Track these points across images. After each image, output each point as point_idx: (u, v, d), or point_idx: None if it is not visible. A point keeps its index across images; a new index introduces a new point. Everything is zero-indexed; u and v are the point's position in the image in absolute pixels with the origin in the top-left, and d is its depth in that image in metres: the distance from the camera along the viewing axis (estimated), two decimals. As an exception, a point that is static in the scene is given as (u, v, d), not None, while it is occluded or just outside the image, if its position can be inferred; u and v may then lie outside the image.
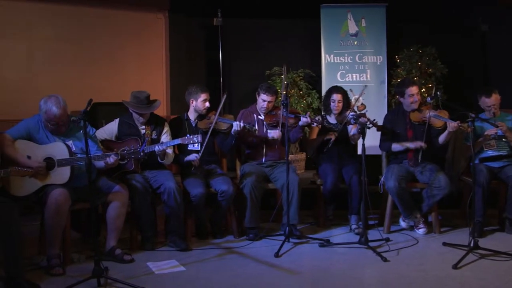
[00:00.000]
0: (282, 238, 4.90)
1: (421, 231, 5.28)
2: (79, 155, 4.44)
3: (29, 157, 4.32)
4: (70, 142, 4.49)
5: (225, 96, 5.19)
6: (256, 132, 5.26)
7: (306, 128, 5.75)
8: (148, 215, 4.85)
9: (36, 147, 4.40)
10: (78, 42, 6.67)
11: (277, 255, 4.64)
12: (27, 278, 3.90)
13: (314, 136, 5.59)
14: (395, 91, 5.66)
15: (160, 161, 4.94)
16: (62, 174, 4.36)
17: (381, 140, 5.48)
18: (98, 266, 3.91)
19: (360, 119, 4.98)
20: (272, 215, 5.14)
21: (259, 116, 5.44)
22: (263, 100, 5.36)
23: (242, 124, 5.08)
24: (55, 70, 6.48)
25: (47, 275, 4.20)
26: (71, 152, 4.41)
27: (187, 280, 4.13)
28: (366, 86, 5.80)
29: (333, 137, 5.38)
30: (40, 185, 4.33)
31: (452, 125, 5.06)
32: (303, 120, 5.19)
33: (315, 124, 5.29)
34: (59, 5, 6.51)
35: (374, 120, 5.12)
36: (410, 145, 5.28)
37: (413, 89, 5.33)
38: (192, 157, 5.04)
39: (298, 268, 4.37)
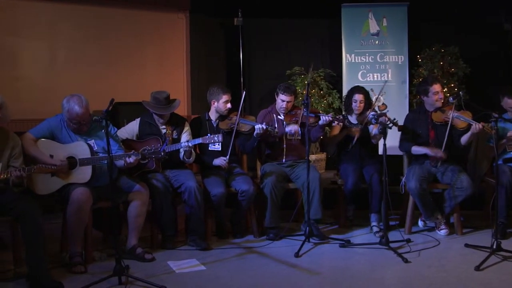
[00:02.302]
0: (302, 238, 4.89)
1: (442, 232, 5.23)
2: (100, 155, 4.48)
3: (51, 156, 4.36)
4: (92, 142, 4.53)
5: (243, 94, 5.19)
6: (277, 133, 5.25)
7: (327, 128, 5.73)
8: (169, 214, 4.87)
9: (59, 146, 4.45)
10: (100, 42, 6.75)
11: (297, 255, 4.63)
12: (50, 276, 3.94)
13: (335, 133, 5.56)
14: (417, 90, 5.58)
15: (184, 159, 4.96)
16: (84, 173, 4.40)
17: (400, 140, 5.43)
18: (119, 264, 3.94)
19: (380, 119, 4.95)
20: (292, 215, 5.13)
21: (278, 116, 5.44)
22: (282, 100, 5.35)
23: (264, 127, 5.07)
24: (78, 69, 6.56)
25: (69, 272, 4.25)
26: (92, 152, 4.45)
27: (207, 279, 4.14)
28: (385, 82, 5.73)
29: (357, 134, 5.34)
30: (63, 183, 4.38)
31: (476, 126, 4.97)
32: (323, 119, 5.16)
33: (336, 122, 5.27)
34: (82, 6, 6.59)
35: (395, 119, 5.08)
36: (429, 152, 5.21)
37: (437, 87, 5.26)
38: (221, 162, 5.06)
39: (318, 268, 4.36)
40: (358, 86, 5.72)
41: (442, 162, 5.21)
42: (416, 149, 5.29)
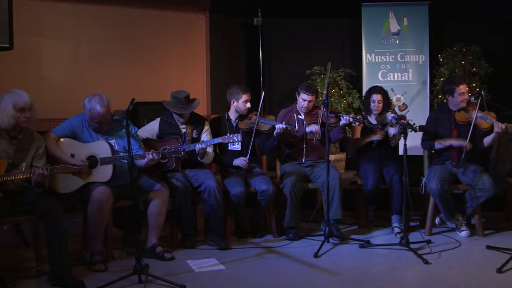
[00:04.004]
0: (322, 238, 4.88)
1: (463, 233, 5.18)
2: (121, 154, 4.51)
3: (72, 155, 4.41)
4: (112, 141, 4.57)
5: (263, 93, 5.19)
6: (297, 133, 5.24)
7: (348, 128, 5.71)
8: (189, 213, 4.89)
9: (80, 145, 4.50)
10: (121, 42, 6.81)
11: (316, 255, 4.62)
12: (71, 274, 3.98)
13: (357, 135, 5.54)
14: (442, 89, 5.49)
15: (199, 159, 4.97)
16: (104, 172, 4.44)
17: (423, 139, 5.39)
18: (139, 263, 3.97)
19: (401, 121, 4.92)
20: (312, 215, 5.12)
21: (299, 116, 5.43)
22: (303, 99, 5.34)
23: (284, 126, 5.06)
24: (100, 69, 6.63)
25: (89, 270, 4.29)
26: (113, 151, 4.48)
27: (227, 278, 4.15)
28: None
29: (380, 136, 5.31)
30: (83, 182, 4.43)
31: (500, 125, 4.91)
32: (344, 119, 5.14)
33: (356, 123, 5.25)
34: (104, 6, 6.66)
35: (414, 124, 5.02)
36: (454, 142, 5.16)
37: (464, 87, 5.20)
38: (241, 162, 5.07)
39: (337, 268, 4.34)
40: (376, 86, 5.67)
41: (464, 162, 5.15)
42: (439, 144, 5.23)
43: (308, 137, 5.36)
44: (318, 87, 6.71)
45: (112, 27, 6.75)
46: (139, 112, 5.83)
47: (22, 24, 5.27)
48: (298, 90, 5.39)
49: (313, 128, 5.25)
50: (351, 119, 5.13)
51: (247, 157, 5.07)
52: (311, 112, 5.40)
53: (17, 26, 4.92)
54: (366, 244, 4.90)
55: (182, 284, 3.88)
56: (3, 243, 5.09)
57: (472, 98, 5.06)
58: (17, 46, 4.96)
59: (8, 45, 4.85)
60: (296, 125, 5.28)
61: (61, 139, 4.49)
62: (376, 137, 5.36)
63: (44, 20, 6.33)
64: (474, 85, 6.76)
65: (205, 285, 4.05)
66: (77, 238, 4.76)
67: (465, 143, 5.05)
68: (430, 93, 7.03)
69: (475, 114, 5.06)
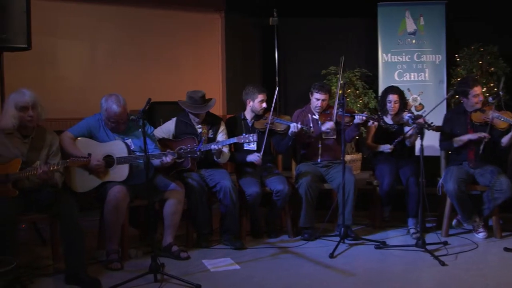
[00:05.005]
0: (337, 239, 4.87)
1: (481, 235, 5.13)
2: (137, 153, 4.53)
3: (89, 155, 4.42)
4: (129, 141, 4.59)
5: (276, 90, 5.17)
6: (313, 133, 5.23)
7: (363, 128, 5.68)
8: (204, 213, 4.90)
9: (96, 145, 4.53)
10: (137, 42, 6.85)
11: (332, 256, 4.61)
12: (87, 272, 4.01)
13: (372, 134, 5.51)
14: (456, 91, 5.46)
15: (215, 159, 4.98)
16: (121, 172, 4.46)
17: (440, 140, 5.35)
18: (154, 262, 3.99)
19: (418, 121, 4.88)
20: (327, 215, 5.10)
21: (313, 116, 5.42)
22: (317, 99, 5.33)
23: (299, 126, 5.05)
24: (116, 70, 6.67)
25: (105, 269, 4.31)
26: (129, 150, 4.51)
27: (242, 278, 4.15)
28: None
29: (390, 149, 5.29)
30: (100, 182, 4.46)
31: None
32: (358, 118, 5.12)
33: (371, 122, 5.22)
34: (120, 7, 6.70)
35: (432, 123, 4.98)
36: (472, 136, 5.11)
37: (478, 89, 5.16)
38: (255, 157, 5.06)
39: (353, 269, 4.33)
40: (392, 86, 5.65)
41: (480, 163, 5.10)
42: (458, 140, 5.19)
43: (323, 137, 5.35)
44: (333, 87, 6.72)
45: (128, 27, 6.79)
46: (155, 112, 5.85)
47: (38, 25, 5.31)
48: (311, 90, 5.39)
49: (328, 125, 5.24)
50: (365, 117, 5.11)
51: (261, 153, 5.06)
52: (325, 112, 5.38)
53: (33, 27, 4.96)
54: (381, 245, 4.87)
55: (198, 283, 3.89)
56: (20, 240, 5.12)
57: (490, 98, 5.01)
58: (34, 47, 5.00)
59: (26, 46, 4.90)
60: (311, 125, 5.27)
61: (78, 139, 4.52)
62: (386, 149, 5.32)
63: (61, 21, 6.38)
64: (491, 85, 6.69)
65: (220, 284, 4.06)
66: (94, 237, 4.79)
67: (483, 134, 5.01)
68: (447, 93, 6.98)
69: (491, 114, 5.02)
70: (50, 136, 4.28)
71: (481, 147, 5.03)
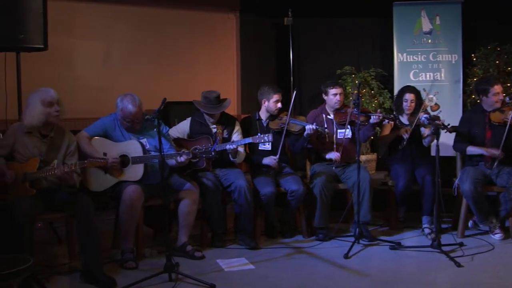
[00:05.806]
0: (352, 239, 4.85)
1: (497, 236, 5.09)
2: (152, 153, 4.55)
3: (105, 154, 4.46)
4: (144, 140, 4.61)
5: (294, 93, 5.16)
6: (328, 134, 5.22)
7: (377, 128, 5.65)
8: (219, 212, 4.91)
9: (112, 144, 4.55)
10: (152, 42, 6.88)
11: (346, 256, 4.60)
12: (103, 271, 4.03)
13: (386, 133, 5.48)
14: (476, 89, 5.40)
15: (231, 159, 4.98)
16: (136, 171, 4.48)
17: (455, 141, 5.30)
18: (169, 261, 4.00)
19: (434, 122, 4.85)
20: (342, 215, 5.09)
21: (328, 116, 5.40)
22: (334, 94, 5.30)
23: (315, 127, 5.05)
24: (132, 69, 6.70)
25: (120, 268, 4.34)
26: (144, 150, 4.53)
27: (256, 278, 4.16)
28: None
29: (407, 134, 5.22)
30: (115, 181, 4.48)
31: None
32: (374, 117, 5.10)
33: (386, 121, 5.19)
34: (136, 7, 6.74)
35: (449, 125, 4.93)
36: (485, 152, 5.07)
37: (498, 88, 5.10)
38: (271, 161, 5.06)
39: (367, 270, 4.31)
40: (408, 85, 5.63)
41: (497, 163, 5.05)
42: (472, 149, 5.15)
43: (337, 136, 5.34)
44: (348, 88, 6.70)
45: (144, 27, 6.82)
46: (170, 112, 5.87)
47: (55, 25, 5.36)
48: (323, 90, 5.38)
49: (333, 155, 5.22)
50: (380, 117, 5.08)
51: (277, 156, 5.06)
52: (340, 111, 5.36)
53: (50, 27, 5.00)
54: (396, 246, 4.85)
55: (212, 283, 3.90)
56: (36, 239, 5.17)
57: (507, 99, 4.96)
58: (50, 47, 5.06)
59: (42, 46, 4.95)
60: (326, 125, 5.26)
61: (94, 138, 4.55)
62: (405, 135, 5.25)
63: (77, 21, 6.42)
64: (508, 85, 6.63)
65: (234, 284, 4.07)
66: (109, 236, 4.82)
67: (497, 153, 4.97)
68: (463, 93, 6.93)
69: (511, 114, 4.96)
70: (68, 136, 4.31)
71: (494, 165, 5.02)
